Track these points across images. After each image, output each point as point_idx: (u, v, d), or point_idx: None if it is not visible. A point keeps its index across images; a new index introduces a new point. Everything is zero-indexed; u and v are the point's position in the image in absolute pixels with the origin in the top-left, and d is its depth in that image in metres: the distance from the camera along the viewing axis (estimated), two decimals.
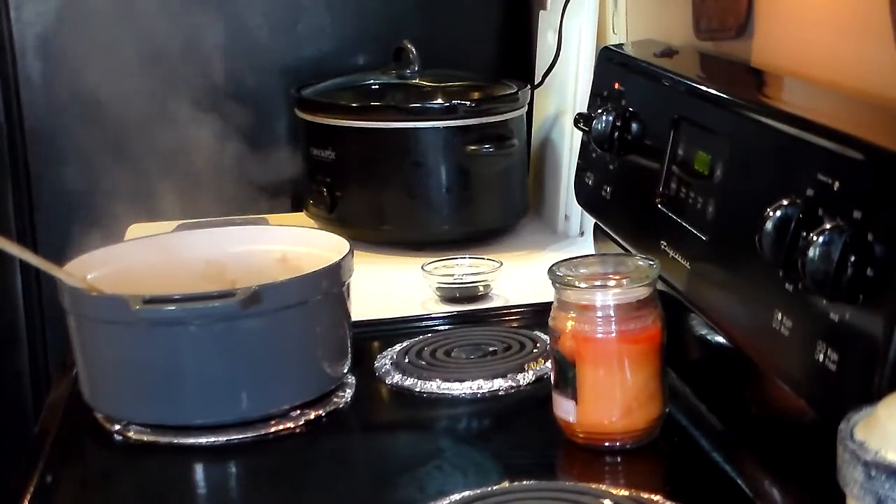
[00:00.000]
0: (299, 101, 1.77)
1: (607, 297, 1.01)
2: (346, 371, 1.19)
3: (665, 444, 1.05)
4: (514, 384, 1.19)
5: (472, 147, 1.66)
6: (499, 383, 1.18)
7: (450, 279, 1.48)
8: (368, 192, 1.70)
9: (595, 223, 1.49)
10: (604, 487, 0.94)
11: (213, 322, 1.09)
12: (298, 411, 1.13)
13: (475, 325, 1.36)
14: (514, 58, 2.01)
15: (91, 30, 1.89)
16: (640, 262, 1.07)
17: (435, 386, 1.19)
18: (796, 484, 0.94)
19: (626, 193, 1.32)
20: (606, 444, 1.03)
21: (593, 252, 1.52)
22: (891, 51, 0.98)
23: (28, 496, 1.02)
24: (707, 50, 1.39)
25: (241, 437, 1.10)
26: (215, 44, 1.91)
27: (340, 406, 1.16)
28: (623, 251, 1.32)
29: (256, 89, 1.94)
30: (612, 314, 1.01)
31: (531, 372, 1.20)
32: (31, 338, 1.98)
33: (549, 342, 1.08)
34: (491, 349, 1.26)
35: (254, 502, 1.04)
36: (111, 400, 1.14)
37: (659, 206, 1.19)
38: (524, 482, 0.96)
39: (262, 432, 1.11)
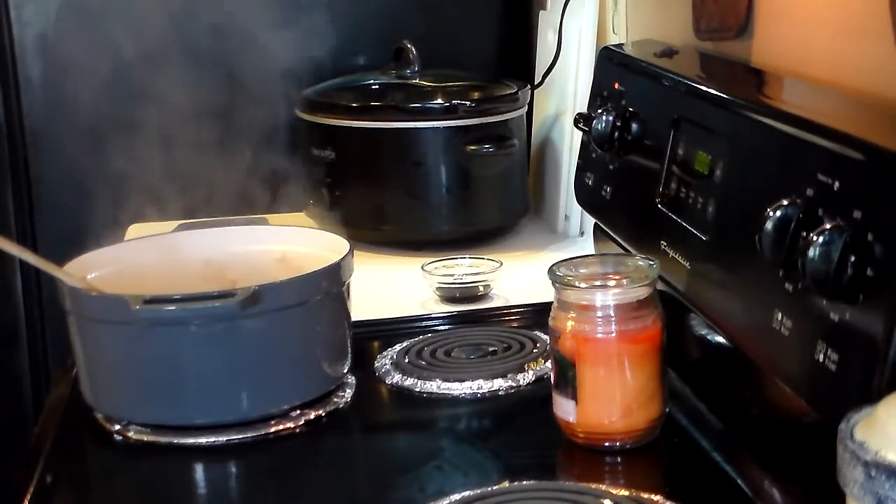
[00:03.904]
0: (299, 101, 1.77)
1: (607, 297, 1.01)
2: (346, 371, 1.19)
3: (665, 444, 1.05)
4: (514, 384, 1.19)
5: (472, 147, 1.66)
6: (499, 383, 1.18)
7: (450, 279, 1.48)
8: (368, 192, 1.70)
9: (595, 223, 1.49)
10: (604, 487, 0.94)
11: (213, 322, 1.09)
12: (298, 411, 1.13)
13: (475, 325, 1.36)
14: (514, 58, 2.01)
15: (91, 30, 1.89)
16: (640, 262, 1.07)
17: (435, 386, 1.19)
18: (796, 484, 0.94)
19: (626, 193, 1.32)
20: (606, 444, 1.03)
21: (593, 252, 1.52)
22: (891, 51, 0.98)
23: (28, 496, 1.02)
24: (707, 50, 1.39)
25: (241, 437, 1.10)
26: (215, 43, 1.91)
27: (340, 406, 1.16)
28: (623, 251, 1.32)
29: (256, 89, 1.94)
30: (612, 314, 1.01)
31: (531, 372, 1.20)
32: (31, 338, 1.98)
33: (549, 342, 1.08)
34: (491, 349, 1.26)
35: (254, 502, 1.04)
36: (111, 400, 1.14)
37: (659, 206, 1.19)
38: (524, 482, 0.96)
39: (262, 432, 1.11)
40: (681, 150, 1.17)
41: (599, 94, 1.42)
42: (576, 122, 1.42)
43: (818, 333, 0.84)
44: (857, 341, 0.80)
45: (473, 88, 1.75)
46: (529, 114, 1.80)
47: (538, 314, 1.28)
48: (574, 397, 1.02)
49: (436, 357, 1.25)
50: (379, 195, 1.69)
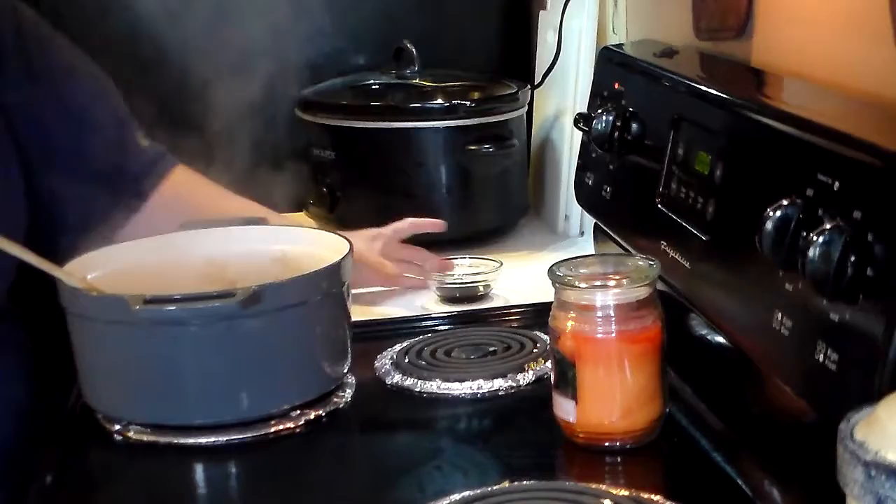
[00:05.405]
0: (299, 101, 1.77)
1: (607, 297, 1.01)
2: (346, 371, 1.19)
3: (665, 444, 1.05)
4: (514, 384, 1.18)
5: (472, 147, 1.67)
6: (499, 383, 1.18)
7: (450, 279, 1.48)
8: (368, 192, 1.70)
9: (595, 223, 1.49)
10: (604, 487, 0.94)
11: (213, 322, 1.09)
12: (298, 411, 1.13)
13: (475, 325, 1.36)
14: (514, 58, 2.01)
15: (91, 30, 1.89)
16: (640, 262, 1.07)
17: (435, 386, 1.19)
18: (796, 484, 0.94)
19: (626, 193, 1.32)
20: (606, 444, 1.03)
21: (593, 252, 1.52)
22: (891, 51, 0.98)
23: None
24: (707, 50, 1.39)
25: (241, 437, 1.10)
26: (214, 44, 1.91)
27: (340, 406, 1.16)
28: (623, 251, 1.32)
29: (256, 89, 1.94)
30: (612, 314, 1.01)
31: (531, 372, 1.20)
32: None
33: (549, 342, 1.08)
34: (491, 349, 1.26)
35: (254, 502, 1.04)
36: (111, 400, 1.14)
37: (659, 206, 1.19)
38: (524, 482, 0.96)
39: (262, 432, 1.11)
40: (681, 150, 1.17)
41: (599, 94, 1.42)
42: (576, 122, 1.42)
43: (818, 333, 0.84)
44: (857, 341, 0.80)
45: (473, 88, 1.75)
46: (529, 114, 1.80)
47: (538, 314, 1.28)
48: (574, 397, 1.02)
49: (436, 357, 1.25)
50: (379, 195, 1.69)
